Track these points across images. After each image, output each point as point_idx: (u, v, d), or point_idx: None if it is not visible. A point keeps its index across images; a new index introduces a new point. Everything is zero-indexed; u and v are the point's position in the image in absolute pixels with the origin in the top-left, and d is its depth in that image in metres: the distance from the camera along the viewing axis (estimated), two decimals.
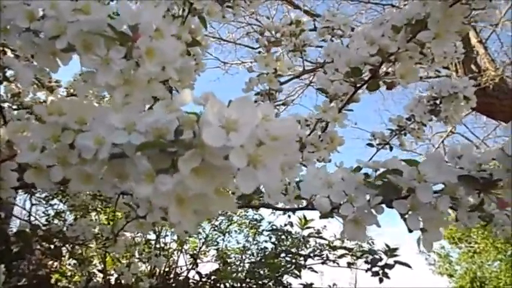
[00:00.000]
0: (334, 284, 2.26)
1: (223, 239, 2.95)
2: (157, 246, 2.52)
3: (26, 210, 2.09)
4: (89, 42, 0.45)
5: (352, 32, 1.28)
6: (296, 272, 1.92)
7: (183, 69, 0.84)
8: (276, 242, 2.42)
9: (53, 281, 1.91)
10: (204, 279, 2.20)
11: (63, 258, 1.91)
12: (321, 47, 1.22)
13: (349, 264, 1.82)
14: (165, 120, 0.42)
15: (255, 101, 1.14)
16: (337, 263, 1.87)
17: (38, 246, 1.56)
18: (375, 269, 1.55)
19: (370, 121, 9.18)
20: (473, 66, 3.81)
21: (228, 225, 2.97)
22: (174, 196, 0.40)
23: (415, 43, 0.72)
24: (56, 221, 2.23)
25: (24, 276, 1.42)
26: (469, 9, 0.72)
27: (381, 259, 1.56)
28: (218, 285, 2.20)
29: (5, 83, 0.85)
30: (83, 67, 0.46)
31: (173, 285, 2.38)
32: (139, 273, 1.82)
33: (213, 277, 2.21)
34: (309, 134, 1.07)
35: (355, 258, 1.82)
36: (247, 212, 2.93)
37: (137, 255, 2.06)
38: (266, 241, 2.72)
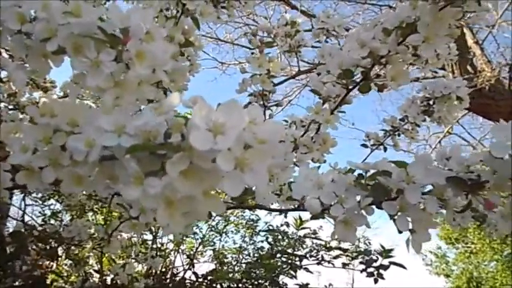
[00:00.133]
0: (330, 284, 2.26)
1: (220, 239, 2.95)
2: (154, 246, 2.52)
3: (22, 210, 2.09)
4: (79, 45, 0.45)
5: (347, 32, 1.28)
6: (292, 272, 1.93)
7: (176, 71, 0.84)
8: (273, 243, 2.42)
9: (49, 281, 1.91)
10: (200, 280, 2.20)
11: (59, 258, 1.91)
12: (318, 47, 1.22)
13: (344, 265, 1.83)
14: (154, 123, 0.42)
15: (249, 102, 1.15)
16: (332, 264, 1.87)
17: (34, 247, 1.57)
18: (370, 269, 1.56)
19: (367, 122, 9.22)
20: (469, 67, 3.82)
21: (225, 226, 2.98)
22: (163, 198, 0.40)
23: (406, 46, 0.73)
24: (52, 221, 2.23)
25: (19, 276, 1.42)
26: (461, 12, 0.73)
27: (376, 260, 1.56)
28: (214, 285, 2.20)
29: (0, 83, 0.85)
30: (74, 69, 0.47)
31: (169, 285, 2.38)
32: (135, 274, 1.82)
33: (209, 277, 2.21)
34: (302, 135, 1.08)
35: (350, 259, 1.82)
36: (244, 213, 2.93)
37: (133, 256, 2.06)
38: (262, 241, 2.72)
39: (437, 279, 7.71)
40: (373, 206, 0.60)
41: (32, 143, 0.53)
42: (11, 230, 1.65)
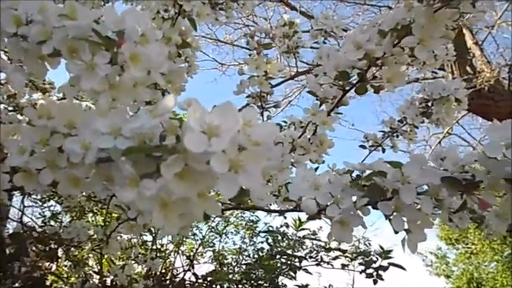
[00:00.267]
0: (330, 285, 2.26)
1: (220, 240, 2.95)
2: (154, 247, 2.52)
3: (22, 211, 2.09)
4: (74, 48, 0.46)
5: (346, 33, 1.28)
6: (291, 273, 1.93)
7: (173, 72, 0.84)
8: (272, 243, 2.42)
9: (48, 282, 1.91)
10: (200, 281, 2.20)
11: (59, 260, 1.91)
12: (317, 48, 1.23)
13: (343, 266, 1.83)
14: (150, 125, 0.42)
15: (248, 104, 1.15)
16: (332, 265, 1.87)
17: (34, 248, 1.57)
18: (369, 270, 1.56)
19: (367, 122, 9.21)
20: (468, 68, 3.82)
21: (225, 227, 2.98)
22: (158, 200, 0.40)
23: (402, 47, 0.73)
24: (52, 223, 2.23)
25: (18, 277, 1.42)
26: (457, 13, 0.73)
27: (375, 261, 1.57)
28: (214, 286, 2.20)
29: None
30: (69, 72, 0.47)
31: (169, 286, 2.38)
32: (135, 275, 1.82)
33: (209, 278, 2.21)
34: (300, 137, 1.08)
35: (349, 260, 1.83)
36: (243, 214, 2.93)
37: (133, 257, 2.06)
38: (262, 242, 2.72)
39: (438, 280, 7.71)
40: (369, 207, 0.60)
41: (29, 144, 0.53)
42: (11, 231, 1.65)
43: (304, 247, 2.25)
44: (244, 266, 2.51)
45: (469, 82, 3.48)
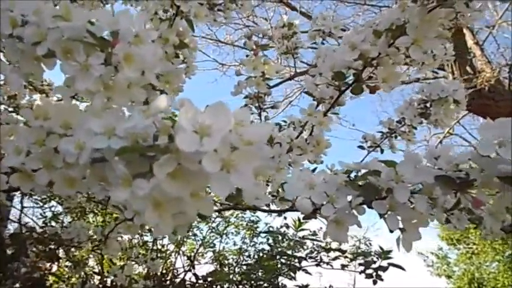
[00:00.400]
0: (330, 286, 2.26)
1: (220, 241, 2.96)
2: (154, 248, 2.53)
3: (21, 212, 2.10)
4: (69, 48, 0.46)
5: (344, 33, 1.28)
6: (291, 273, 1.93)
7: (170, 73, 0.85)
8: (272, 244, 2.43)
9: (49, 283, 1.92)
10: (200, 281, 2.21)
11: (60, 260, 1.92)
12: (317, 48, 1.23)
13: (343, 266, 1.83)
14: (143, 125, 0.43)
15: (245, 104, 1.15)
16: (331, 265, 1.87)
17: (34, 249, 1.57)
18: (369, 271, 1.56)
19: (367, 123, 9.19)
20: (469, 68, 3.81)
21: (225, 227, 2.98)
22: (151, 200, 0.40)
23: (397, 48, 0.73)
24: (53, 223, 2.24)
25: (18, 278, 1.43)
26: (452, 13, 0.73)
27: (375, 261, 1.57)
28: (214, 287, 2.20)
29: None
30: (64, 73, 0.47)
31: (170, 287, 2.39)
32: (136, 275, 1.82)
33: (209, 279, 2.21)
34: (297, 137, 1.08)
35: (349, 260, 1.83)
36: (244, 214, 2.93)
37: (133, 258, 2.07)
38: (263, 243, 2.73)
39: (439, 280, 7.69)
40: (365, 206, 0.60)
41: (25, 145, 0.54)
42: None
43: (304, 247, 2.25)
44: (244, 267, 2.51)
45: (470, 82, 3.48)
